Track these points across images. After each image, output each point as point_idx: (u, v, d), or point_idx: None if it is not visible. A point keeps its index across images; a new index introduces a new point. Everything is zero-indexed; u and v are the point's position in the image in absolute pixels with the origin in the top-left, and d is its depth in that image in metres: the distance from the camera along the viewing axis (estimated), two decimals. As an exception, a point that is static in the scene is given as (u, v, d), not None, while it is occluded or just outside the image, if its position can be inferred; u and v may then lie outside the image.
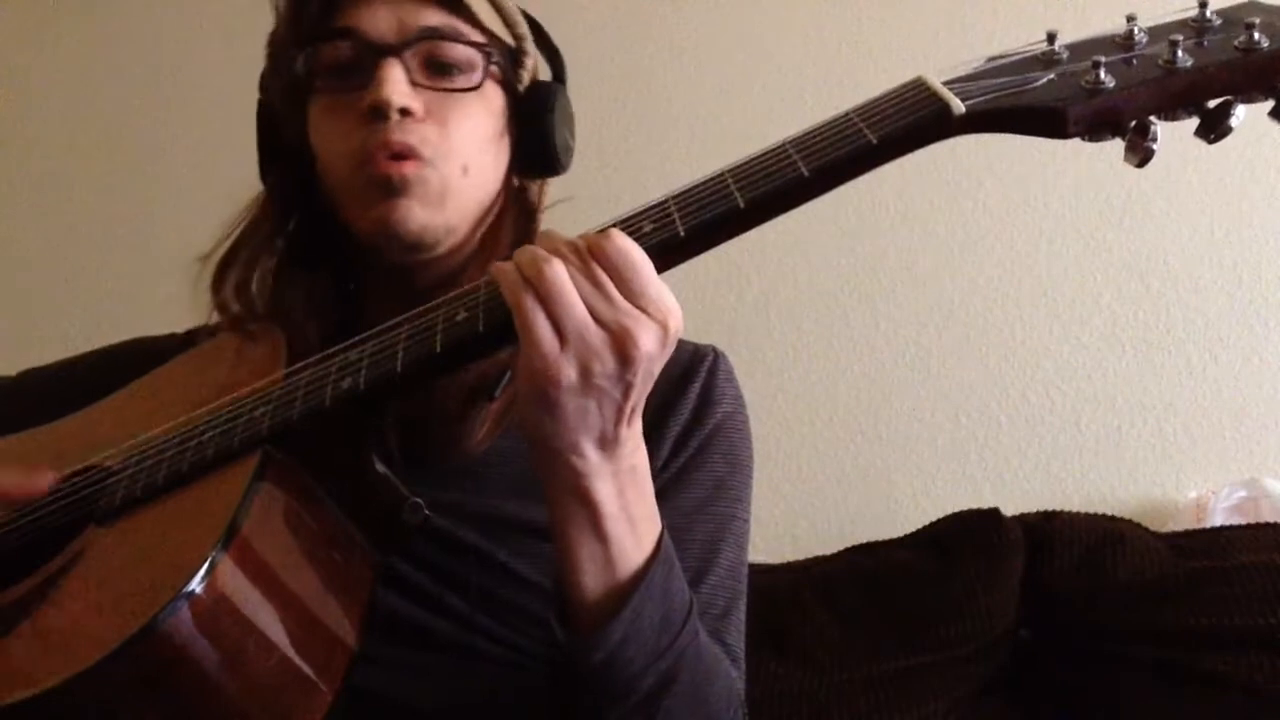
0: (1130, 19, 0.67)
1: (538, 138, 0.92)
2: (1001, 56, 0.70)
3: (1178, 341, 1.72)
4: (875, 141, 0.67)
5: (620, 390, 0.67)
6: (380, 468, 0.74)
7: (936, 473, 1.74)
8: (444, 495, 0.82)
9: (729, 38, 1.81)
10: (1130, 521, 1.51)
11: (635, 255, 0.67)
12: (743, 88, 1.80)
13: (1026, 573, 1.45)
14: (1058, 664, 1.42)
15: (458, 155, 0.87)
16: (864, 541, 1.56)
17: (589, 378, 0.65)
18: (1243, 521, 1.52)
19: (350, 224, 0.88)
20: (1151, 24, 0.67)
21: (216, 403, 0.76)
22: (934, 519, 1.54)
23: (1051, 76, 0.67)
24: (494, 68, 0.89)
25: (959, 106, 0.66)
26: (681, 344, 0.83)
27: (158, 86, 1.92)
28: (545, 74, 0.97)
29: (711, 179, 0.70)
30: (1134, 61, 0.65)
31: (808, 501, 1.74)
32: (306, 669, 0.66)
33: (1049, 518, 1.51)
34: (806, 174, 0.67)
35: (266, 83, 0.95)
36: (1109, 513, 1.53)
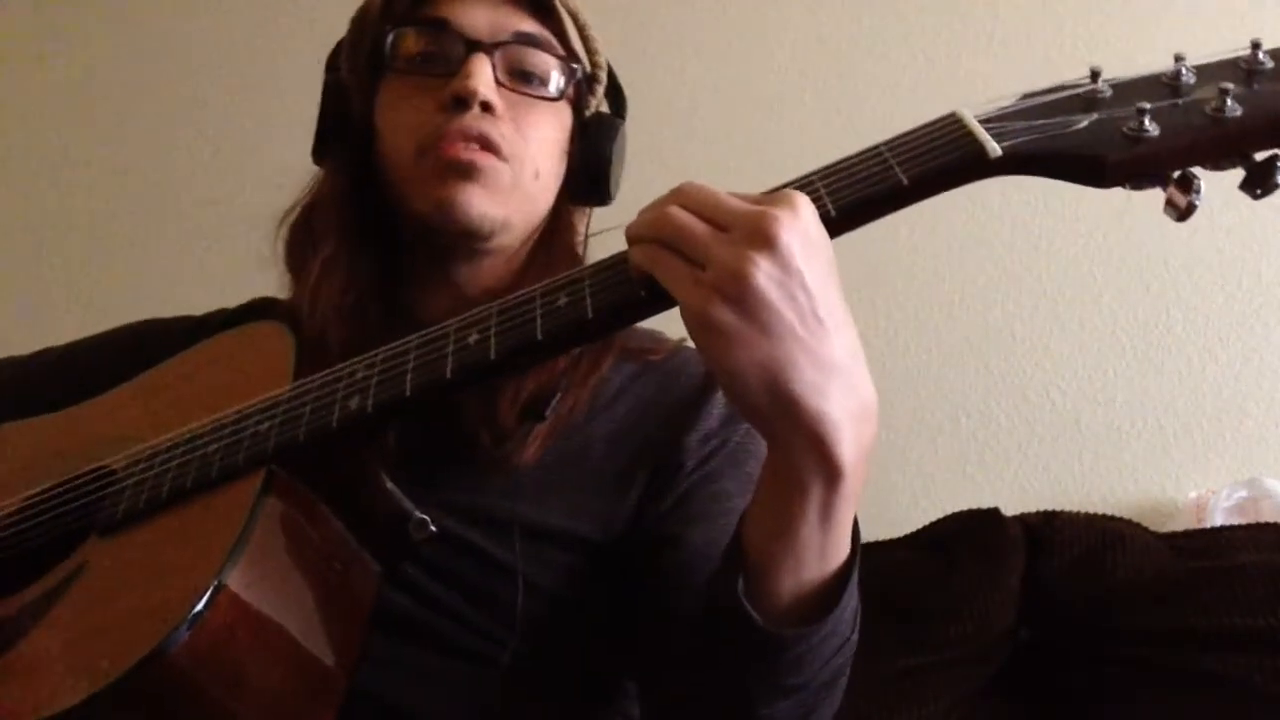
0: (1179, 59, 0.63)
1: (596, 165, 0.94)
2: (1041, 93, 0.66)
3: (1178, 341, 1.72)
4: (906, 182, 0.63)
5: (789, 286, 0.58)
6: (389, 484, 0.73)
7: (936, 473, 1.74)
8: (454, 497, 0.82)
9: (729, 38, 1.81)
10: (1130, 521, 1.51)
11: (713, 190, 0.62)
12: (742, 88, 1.80)
13: (1026, 573, 1.45)
14: (1058, 664, 1.42)
15: (531, 159, 0.89)
16: (864, 541, 1.55)
17: (745, 284, 0.57)
18: (1243, 521, 1.52)
19: (408, 203, 0.89)
20: (1200, 63, 0.63)
21: (222, 412, 0.74)
22: (934, 519, 1.54)
23: (1093, 119, 0.63)
24: (571, 86, 0.92)
25: (995, 149, 0.62)
26: None
27: (157, 88, 1.92)
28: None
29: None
30: (1180, 106, 0.61)
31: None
32: (307, 687, 0.66)
33: (1049, 518, 1.51)
34: (833, 214, 0.63)
35: (342, 58, 0.95)
36: (1109, 513, 1.52)
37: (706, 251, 0.59)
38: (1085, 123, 0.63)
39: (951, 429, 1.74)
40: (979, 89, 1.75)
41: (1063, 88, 0.66)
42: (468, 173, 0.85)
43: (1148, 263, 1.72)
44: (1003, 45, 1.76)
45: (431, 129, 0.86)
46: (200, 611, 0.60)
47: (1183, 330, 1.71)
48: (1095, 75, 0.65)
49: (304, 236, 0.93)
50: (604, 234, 0.96)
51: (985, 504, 1.51)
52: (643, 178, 1.76)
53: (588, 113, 0.95)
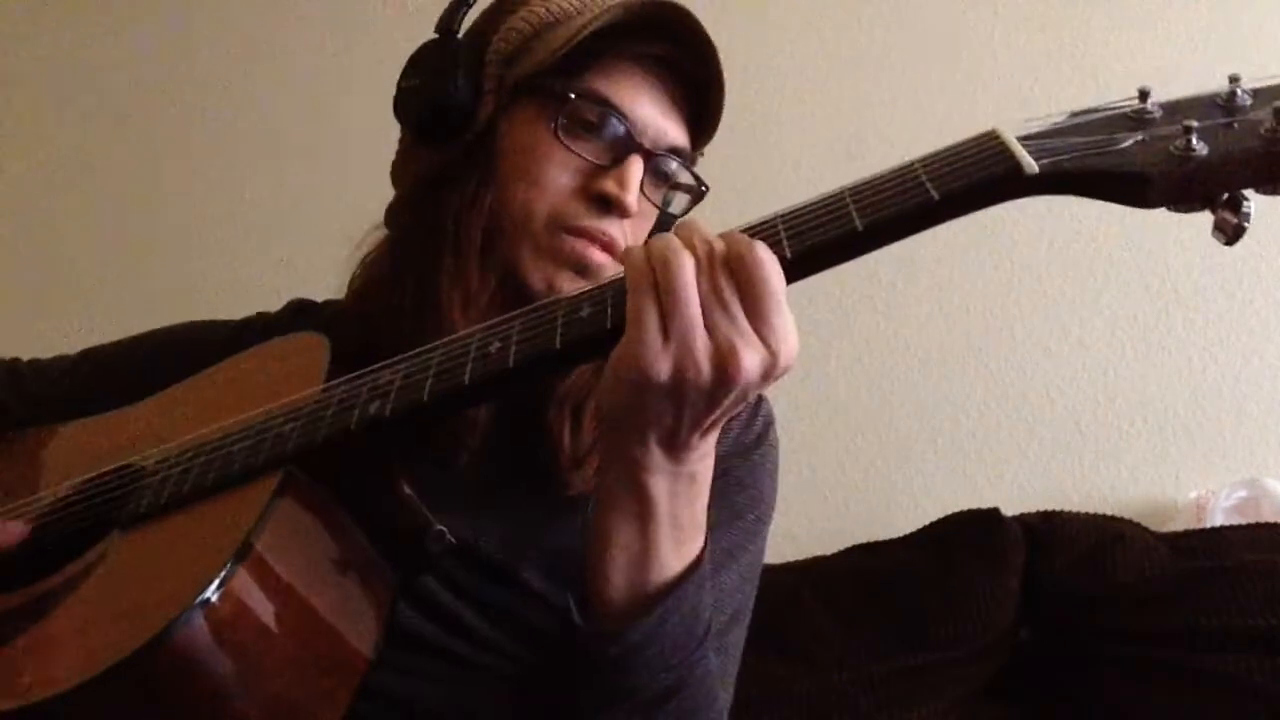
0: (1234, 79, 0.61)
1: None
2: (1087, 111, 0.64)
3: (1178, 341, 1.72)
4: (937, 197, 0.62)
5: (706, 403, 0.64)
6: (409, 492, 0.73)
7: (936, 473, 1.74)
8: (467, 512, 0.81)
9: (728, 38, 1.81)
10: (1130, 521, 1.51)
11: (771, 274, 0.63)
12: (742, 88, 1.80)
13: (1026, 573, 1.45)
14: (1058, 664, 1.42)
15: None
16: (864, 541, 1.56)
17: (680, 383, 0.63)
18: (1243, 521, 1.52)
19: (515, 260, 0.86)
20: (1258, 85, 0.61)
21: (250, 413, 0.75)
22: (934, 519, 1.54)
23: (1139, 139, 0.60)
24: (691, 196, 0.92)
25: (1031, 166, 0.60)
26: None
27: (157, 90, 1.92)
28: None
29: (763, 223, 0.67)
30: (1234, 127, 0.59)
31: (808, 501, 1.74)
32: (316, 689, 0.66)
33: (1049, 518, 1.51)
34: (860, 228, 0.63)
35: (487, 50, 0.89)
36: (1109, 513, 1.53)
37: (683, 335, 0.62)
38: (1130, 142, 0.60)
39: (951, 429, 1.74)
40: (979, 89, 1.76)
41: (1109, 107, 0.64)
42: (585, 271, 0.85)
43: (1148, 263, 1.72)
44: (1003, 45, 1.76)
45: (569, 211, 0.85)
46: (205, 601, 0.60)
47: (1183, 330, 1.72)
48: (1144, 95, 0.63)
49: (418, 239, 0.89)
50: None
51: (985, 504, 1.52)
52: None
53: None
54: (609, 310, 0.66)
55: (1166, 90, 0.64)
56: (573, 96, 0.85)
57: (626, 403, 0.65)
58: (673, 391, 0.63)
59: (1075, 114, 0.64)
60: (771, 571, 1.54)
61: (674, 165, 0.90)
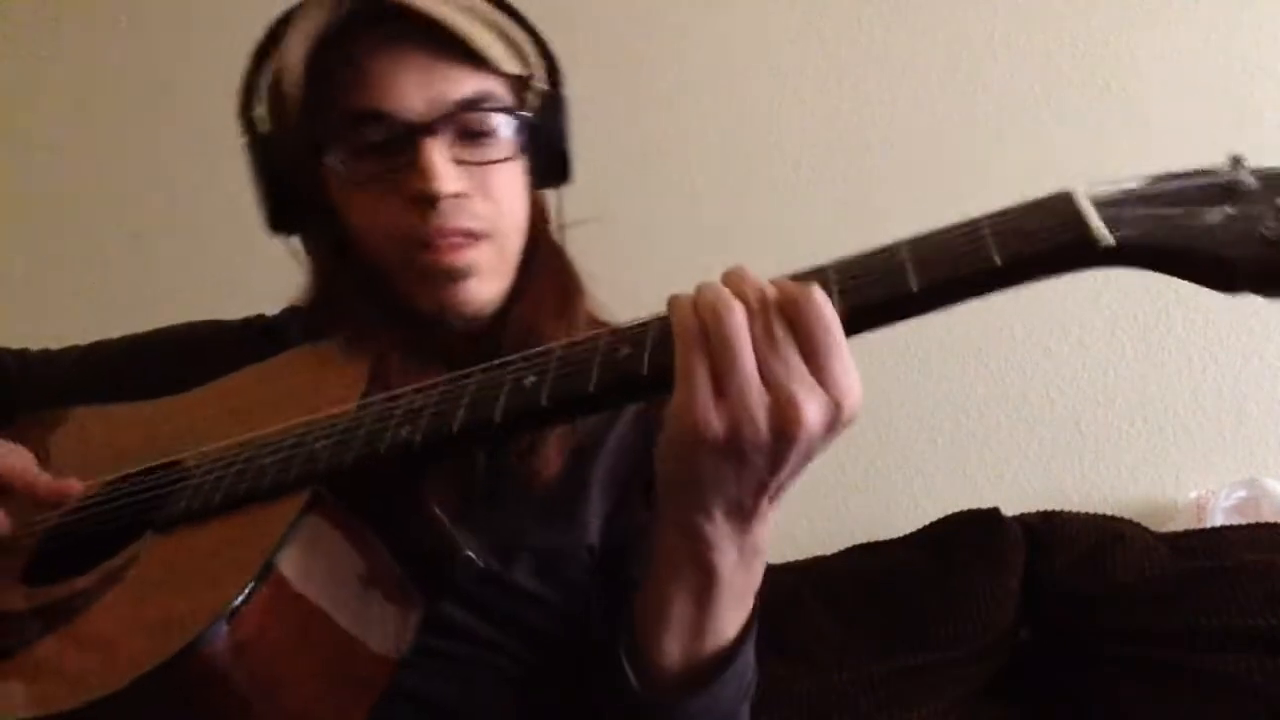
0: None
1: (553, 154, 0.90)
2: (1172, 176, 0.59)
3: (1178, 341, 1.72)
4: (1000, 263, 0.57)
5: (768, 463, 0.59)
6: (439, 515, 0.73)
7: (936, 473, 1.74)
8: (465, 523, 0.81)
9: (727, 39, 1.81)
10: (1130, 521, 1.51)
11: (829, 317, 0.59)
12: (741, 88, 1.80)
13: (1026, 573, 1.45)
14: (1058, 664, 1.42)
15: (508, 219, 0.86)
16: (864, 541, 1.56)
17: (738, 440, 0.58)
18: (1243, 521, 1.52)
19: (409, 299, 0.85)
20: None
21: (286, 424, 0.75)
22: (934, 519, 1.54)
23: (1225, 215, 0.55)
24: (521, 129, 0.86)
25: (1107, 238, 0.56)
26: None
27: (158, 93, 1.93)
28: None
29: (814, 270, 0.63)
30: None
31: (808, 501, 1.74)
32: (336, 707, 0.67)
33: (1049, 518, 1.51)
34: (915, 290, 0.59)
35: (260, 113, 0.88)
36: (1109, 513, 1.53)
37: (738, 390, 0.58)
38: (1217, 218, 0.55)
39: (951, 429, 1.74)
40: (979, 89, 1.76)
41: (1198, 173, 0.59)
42: (464, 274, 0.83)
43: (1148, 263, 1.72)
44: (1003, 45, 1.76)
45: (409, 231, 0.82)
46: (229, 615, 0.61)
47: (1183, 330, 1.71)
48: (1237, 162, 0.58)
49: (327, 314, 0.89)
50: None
51: (985, 504, 1.52)
52: (643, 178, 1.78)
53: (532, 112, 0.89)
54: (646, 354, 0.63)
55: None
56: (333, 141, 0.83)
57: (684, 467, 0.61)
58: (731, 452, 0.59)
59: (1158, 178, 0.59)
60: (771, 571, 1.53)
61: (477, 115, 0.83)
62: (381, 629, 0.70)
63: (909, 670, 1.39)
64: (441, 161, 0.81)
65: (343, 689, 0.67)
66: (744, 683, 0.73)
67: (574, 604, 0.85)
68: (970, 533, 1.48)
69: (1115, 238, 0.56)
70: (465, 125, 0.83)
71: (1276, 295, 0.54)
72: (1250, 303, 1.61)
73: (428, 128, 0.81)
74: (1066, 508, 1.55)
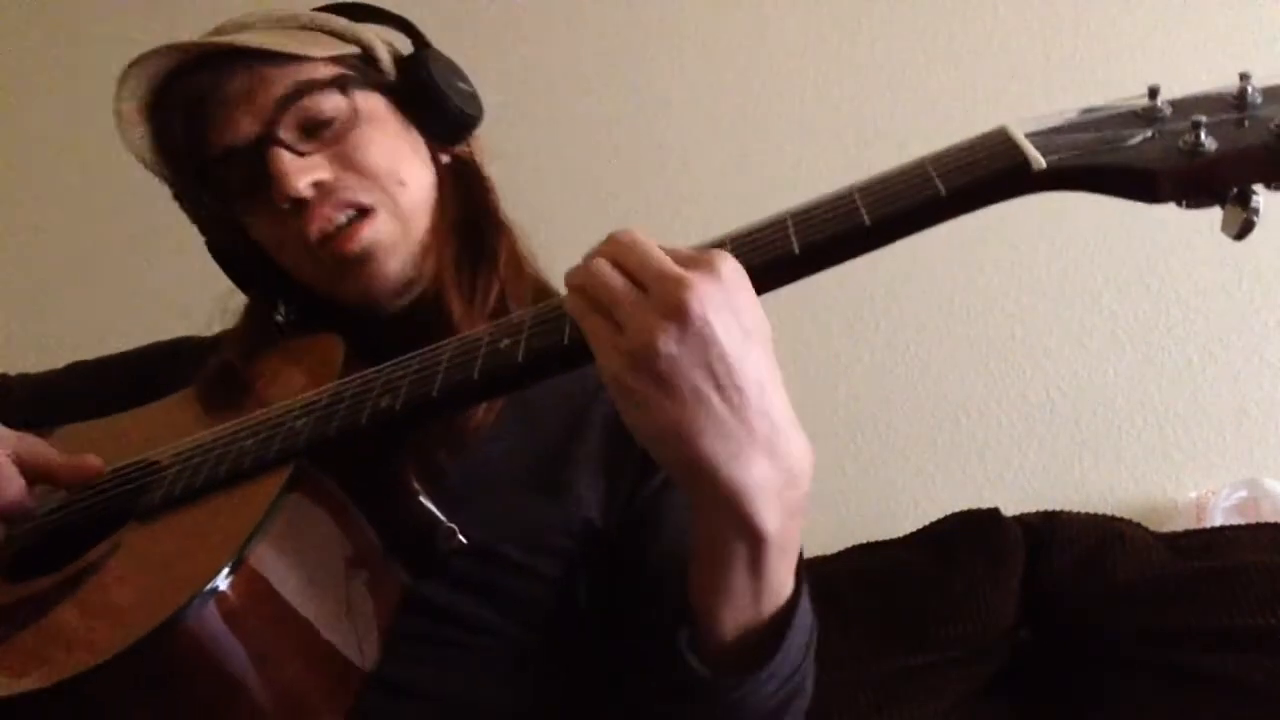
0: (1244, 76, 0.61)
1: (434, 108, 0.92)
2: (1096, 109, 0.65)
3: (1178, 341, 1.72)
4: (944, 193, 0.62)
5: (699, 361, 0.58)
6: (419, 489, 0.74)
7: (936, 473, 1.74)
8: (456, 501, 0.82)
9: (728, 35, 1.81)
10: (1130, 521, 1.51)
11: (636, 234, 0.62)
12: (741, 86, 1.80)
13: (1026, 573, 1.45)
14: (1058, 664, 1.42)
15: (385, 178, 0.88)
16: (864, 541, 1.56)
17: (652, 349, 0.58)
18: (1243, 521, 1.52)
19: (336, 301, 0.91)
20: (1269, 84, 0.61)
21: (266, 409, 0.76)
22: (934, 519, 1.54)
23: (1148, 135, 0.61)
24: (355, 90, 0.89)
25: (1039, 161, 0.61)
26: None
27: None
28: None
29: (772, 221, 0.67)
30: (1245, 124, 0.59)
31: (808, 501, 1.74)
32: (322, 680, 0.66)
33: (1049, 518, 1.51)
34: (868, 223, 0.63)
35: (191, 210, 0.97)
36: (1109, 513, 1.53)
37: (624, 316, 0.59)
38: (1140, 138, 0.61)
39: (951, 429, 1.74)
40: (979, 88, 1.76)
41: (1119, 104, 0.65)
42: (365, 257, 0.87)
43: (1148, 263, 1.72)
44: (1003, 45, 1.76)
45: (299, 238, 0.87)
46: (210, 591, 0.61)
47: (1183, 330, 1.71)
48: (1154, 93, 0.64)
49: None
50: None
51: (985, 504, 1.52)
52: (643, 178, 1.78)
53: (390, 77, 0.93)
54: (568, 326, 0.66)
55: (1174, 88, 0.65)
56: (207, 194, 0.90)
57: (643, 417, 0.60)
58: (662, 374, 0.58)
59: (1085, 110, 0.65)
60: (771, 571, 1.54)
61: (305, 103, 0.87)
62: (364, 603, 0.70)
63: (909, 670, 1.39)
64: (289, 160, 0.84)
65: (329, 666, 0.67)
66: (806, 633, 0.71)
67: (562, 573, 0.85)
68: (970, 533, 1.48)
69: (1047, 161, 0.61)
70: (301, 118, 0.87)
71: (1195, 203, 0.60)
72: (1250, 303, 1.61)
73: (264, 139, 0.85)
74: (1066, 508, 1.55)
